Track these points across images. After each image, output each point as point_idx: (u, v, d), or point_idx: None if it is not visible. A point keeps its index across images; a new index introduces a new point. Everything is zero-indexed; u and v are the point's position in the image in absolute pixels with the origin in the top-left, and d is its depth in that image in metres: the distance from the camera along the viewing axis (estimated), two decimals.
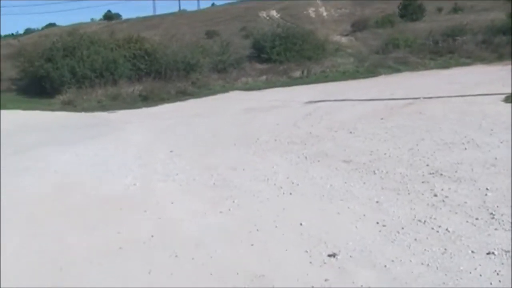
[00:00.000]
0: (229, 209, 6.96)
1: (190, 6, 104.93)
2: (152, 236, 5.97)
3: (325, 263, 5.11)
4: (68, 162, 10.87)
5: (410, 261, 5.13)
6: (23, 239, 6.19)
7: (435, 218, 6.17)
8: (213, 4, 73.33)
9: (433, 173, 7.96)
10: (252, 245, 5.58)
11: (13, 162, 11.14)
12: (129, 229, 6.32)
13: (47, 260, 5.40)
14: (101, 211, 7.23)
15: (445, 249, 5.33)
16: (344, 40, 34.70)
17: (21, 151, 12.50)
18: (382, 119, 12.69)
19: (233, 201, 7.32)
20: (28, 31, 73.11)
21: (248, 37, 36.37)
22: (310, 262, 5.12)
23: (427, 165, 8.43)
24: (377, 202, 6.92)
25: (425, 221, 6.11)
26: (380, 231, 5.90)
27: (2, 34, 72.49)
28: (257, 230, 6.05)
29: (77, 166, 10.46)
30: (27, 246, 5.90)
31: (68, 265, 5.24)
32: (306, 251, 5.37)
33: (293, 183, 8.07)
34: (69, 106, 24.24)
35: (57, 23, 69.46)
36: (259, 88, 25.93)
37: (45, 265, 5.29)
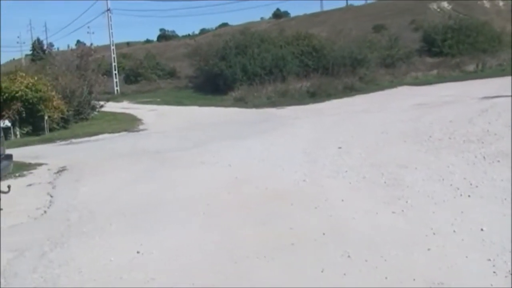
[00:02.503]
0: (402, 210, 6.70)
1: (357, 1, 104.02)
2: (324, 234, 5.94)
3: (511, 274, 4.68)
4: (241, 157, 11.28)
5: None
6: (200, 231, 6.50)
7: None
8: None
9: None
10: (428, 249, 5.29)
11: (191, 156, 11.84)
12: (300, 225, 6.34)
13: (223, 253, 5.60)
14: (272, 205, 7.36)
15: None
16: None
17: (198, 145, 13.25)
18: None
19: (406, 202, 7.04)
20: (203, 31, 77.37)
21: (417, 30, 35.21)
22: (494, 272, 4.72)
23: None
24: None
25: None
26: None
27: (180, 34, 77.55)
28: (433, 233, 5.73)
29: (249, 161, 10.81)
30: (204, 238, 6.17)
31: (242, 259, 5.38)
32: (489, 260, 4.96)
33: (471, 184, 7.57)
34: (241, 102, 25.32)
35: (230, 23, 72.56)
36: (429, 82, 25.01)
37: (220, 257, 5.48)
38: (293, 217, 6.72)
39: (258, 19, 74.20)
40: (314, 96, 24.80)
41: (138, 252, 5.71)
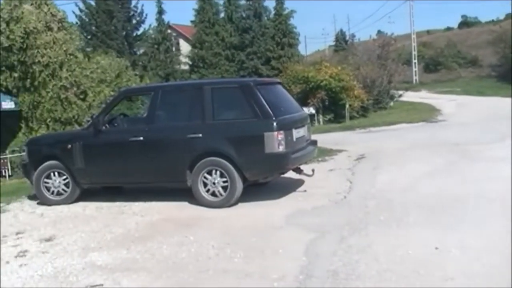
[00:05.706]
0: None
1: None
2: None
3: None
4: None
5: None
6: (500, 233, 5.99)
7: None
8: None
9: None
10: None
11: (492, 150, 11.14)
12: None
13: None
14: None
15: None
16: None
17: (500, 139, 12.44)
18: None
19: None
20: (508, 16, 71.66)
21: None
22: None
23: None
24: None
25: None
26: None
27: (483, 20, 72.92)
28: None
29: None
30: (505, 241, 5.68)
31: None
32: None
33: None
34: None
35: None
36: None
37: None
38: None
39: None
40: None
41: (436, 248, 5.55)
